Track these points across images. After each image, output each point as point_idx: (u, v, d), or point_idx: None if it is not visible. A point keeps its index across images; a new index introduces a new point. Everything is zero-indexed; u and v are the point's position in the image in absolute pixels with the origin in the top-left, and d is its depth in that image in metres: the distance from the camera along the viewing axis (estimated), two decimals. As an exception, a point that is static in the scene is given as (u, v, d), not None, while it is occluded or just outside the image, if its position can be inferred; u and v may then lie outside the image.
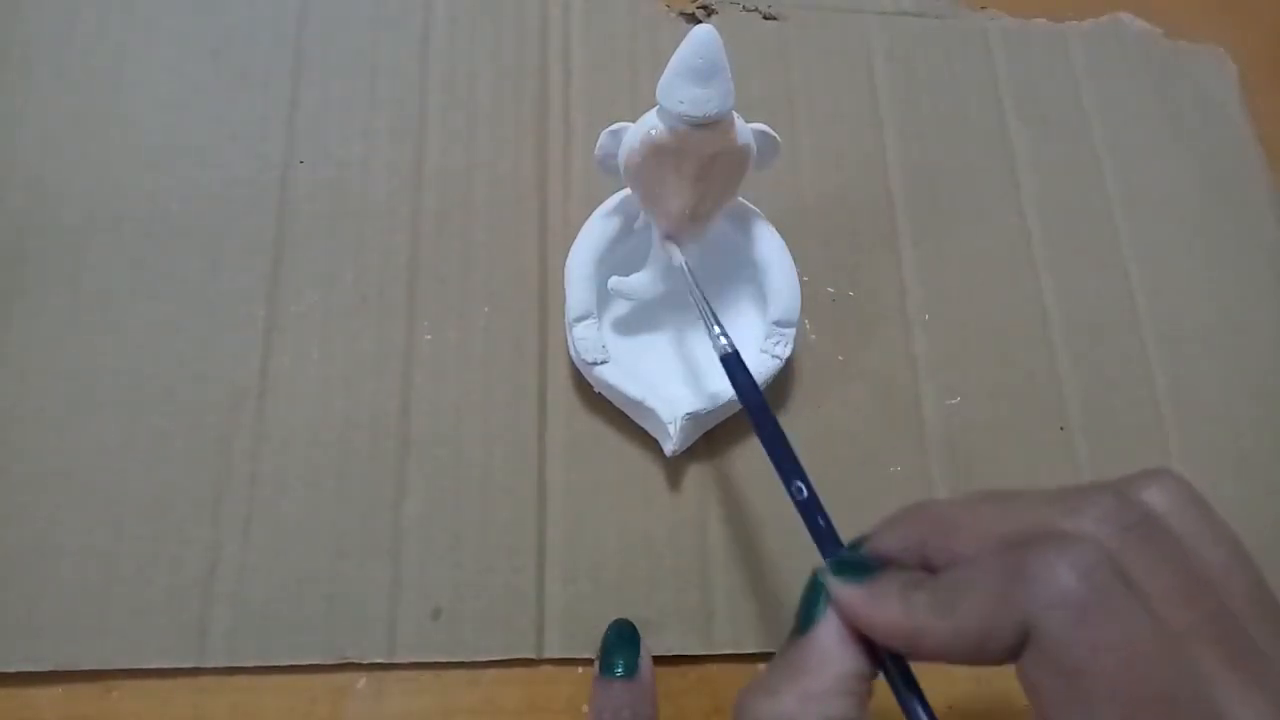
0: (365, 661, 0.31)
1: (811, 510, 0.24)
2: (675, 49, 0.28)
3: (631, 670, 0.31)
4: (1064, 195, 0.44)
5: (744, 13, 0.45)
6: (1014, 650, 0.17)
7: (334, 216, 0.38)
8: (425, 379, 0.36)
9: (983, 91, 0.45)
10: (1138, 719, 0.16)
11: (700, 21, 0.43)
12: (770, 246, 0.36)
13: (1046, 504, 0.19)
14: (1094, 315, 0.41)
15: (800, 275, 0.36)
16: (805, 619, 0.21)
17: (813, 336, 0.39)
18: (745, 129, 0.31)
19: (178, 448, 0.33)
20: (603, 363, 0.34)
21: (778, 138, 0.32)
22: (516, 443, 0.35)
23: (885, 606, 0.19)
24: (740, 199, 0.35)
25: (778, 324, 0.35)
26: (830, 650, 0.20)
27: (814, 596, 0.21)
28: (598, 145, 0.32)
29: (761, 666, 0.34)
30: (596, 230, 0.35)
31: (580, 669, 0.33)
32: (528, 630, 0.33)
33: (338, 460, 0.34)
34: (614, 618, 0.33)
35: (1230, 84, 0.48)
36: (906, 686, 0.20)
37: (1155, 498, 0.18)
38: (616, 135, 0.32)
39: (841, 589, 0.20)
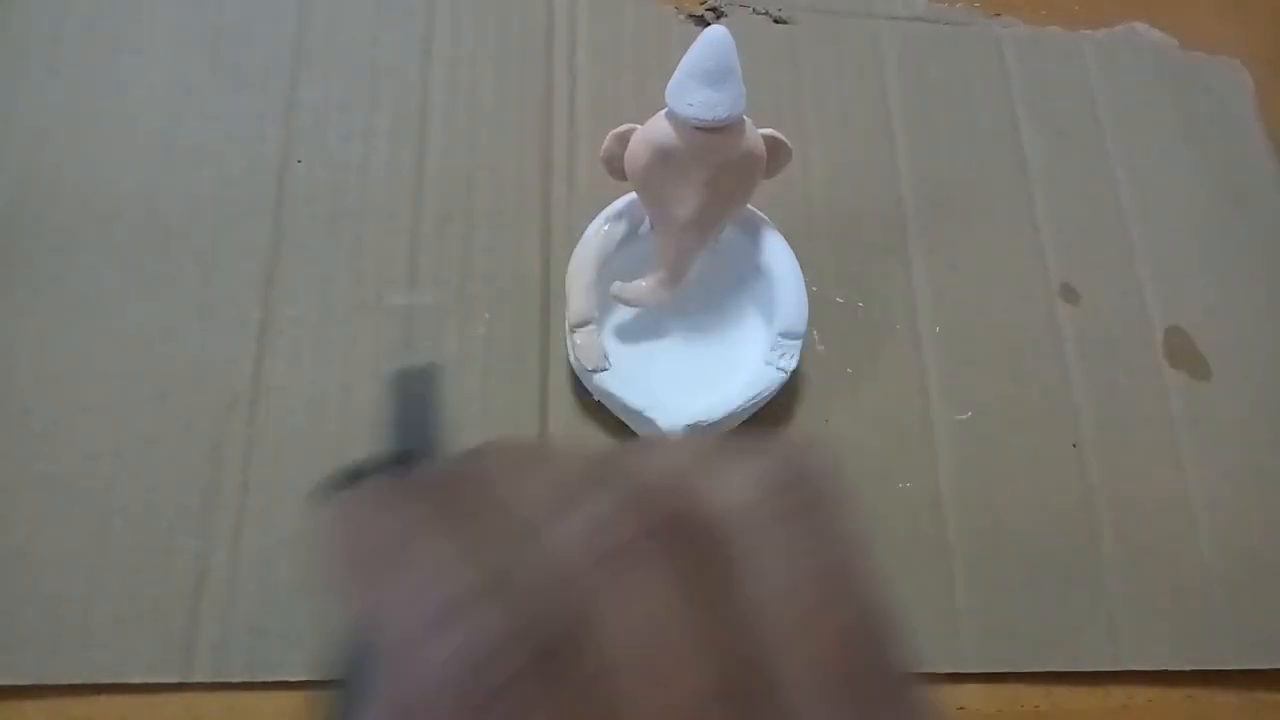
0: (356, 678, 0.30)
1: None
2: (683, 51, 0.27)
3: None
4: (1078, 206, 0.43)
5: (754, 15, 0.44)
6: None
7: (332, 218, 0.37)
8: (423, 386, 0.35)
9: (996, 100, 0.44)
10: None
11: (709, 24, 0.42)
12: (778, 255, 0.35)
13: (554, 483, 0.13)
14: (1108, 330, 0.40)
15: (809, 285, 0.35)
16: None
17: (821, 348, 0.38)
18: (756, 134, 0.30)
19: (167, 454, 0.32)
20: (603, 370, 0.33)
21: (789, 144, 0.32)
22: (515, 453, 0.34)
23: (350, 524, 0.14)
24: (748, 205, 0.35)
25: (783, 335, 0.34)
26: None
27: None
28: (603, 148, 0.31)
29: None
30: (600, 235, 0.34)
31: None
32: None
33: (331, 469, 0.33)
34: None
35: (1246, 95, 0.47)
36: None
37: (734, 489, 0.13)
38: (623, 138, 0.31)
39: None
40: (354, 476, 0.16)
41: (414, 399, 0.22)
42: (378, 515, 0.14)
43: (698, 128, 0.28)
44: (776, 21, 0.44)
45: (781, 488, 0.13)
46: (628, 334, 0.36)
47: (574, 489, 0.13)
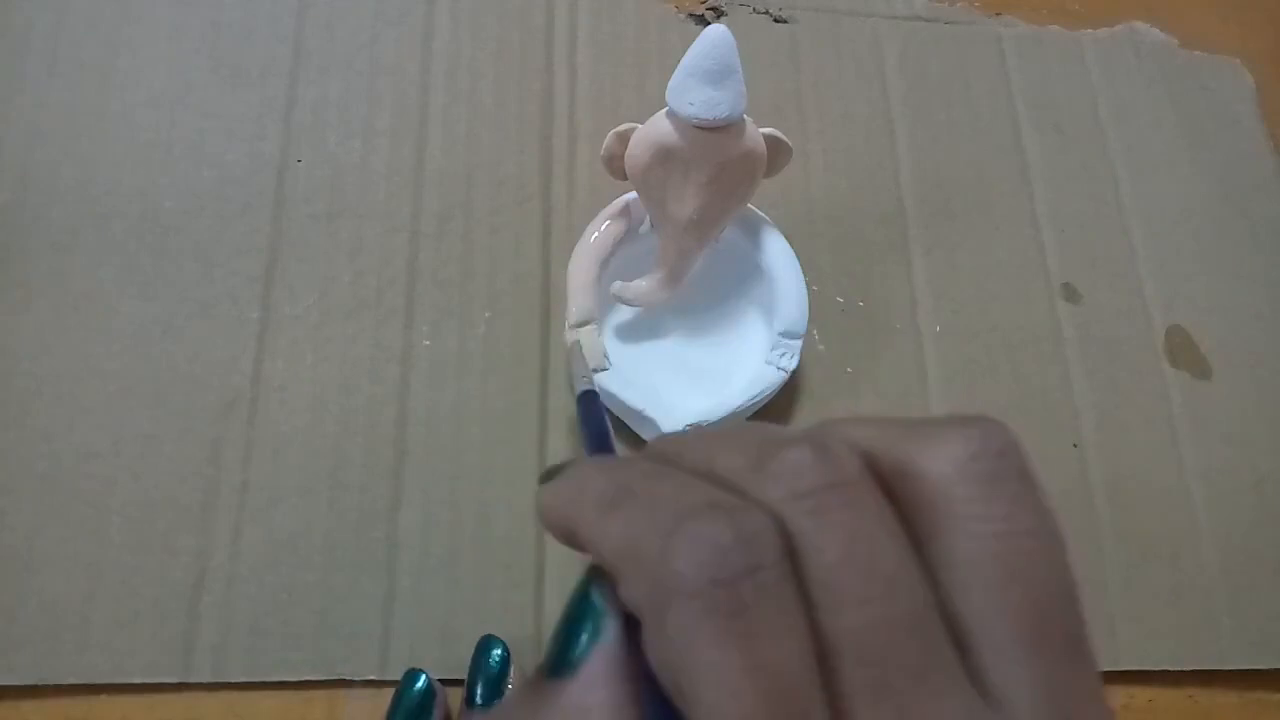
0: (357, 679, 0.30)
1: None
2: (683, 50, 0.27)
3: (492, 700, 0.28)
4: (1078, 206, 0.43)
5: (754, 15, 0.44)
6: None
7: (331, 217, 0.37)
8: (423, 386, 0.35)
9: (996, 99, 0.44)
10: None
11: (709, 23, 0.42)
12: (778, 255, 0.35)
13: (747, 448, 0.14)
14: (1108, 329, 0.40)
15: (809, 284, 0.35)
16: (564, 650, 0.14)
17: (821, 347, 0.38)
18: (756, 133, 0.30)
19: (166, 454, 0.32)
20: (603, 370, 0.33)
21: (789, 143, 0.31)
22: (516, 452, 0.34)
23: (562, 490, 0.15)
24: (748, 205, 0.35)
25: (784, 335, 0.34)
26: (590, 709, 0.14)
27: (580, 616, 0.15)
28: (604, 147, 0.31)
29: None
30: (600, 234, 0.34)
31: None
32: (525, 648, 0.32)
33: (331, 469, 0.33)
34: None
35: (1247, 95, 0.47)
36: None
37: (935, 460, 0.13)
38: (623, 137, 0.31)
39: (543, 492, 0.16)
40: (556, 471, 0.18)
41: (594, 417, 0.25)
42: (601, 471, 0.15)
43: (698, 127, 0.28)
44: (777, 20, 0.44)
45: (988, 455, 0.13)
46: (628, 334, 0.36)
47: (769, 447, 0.14)
